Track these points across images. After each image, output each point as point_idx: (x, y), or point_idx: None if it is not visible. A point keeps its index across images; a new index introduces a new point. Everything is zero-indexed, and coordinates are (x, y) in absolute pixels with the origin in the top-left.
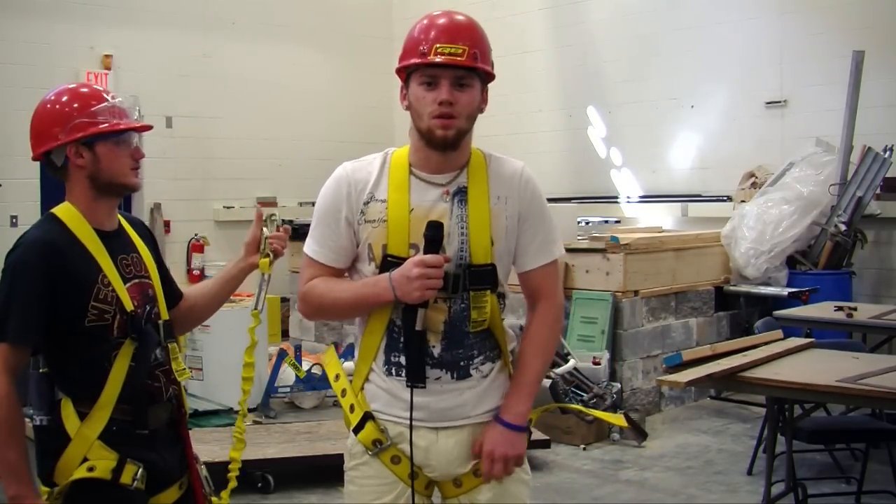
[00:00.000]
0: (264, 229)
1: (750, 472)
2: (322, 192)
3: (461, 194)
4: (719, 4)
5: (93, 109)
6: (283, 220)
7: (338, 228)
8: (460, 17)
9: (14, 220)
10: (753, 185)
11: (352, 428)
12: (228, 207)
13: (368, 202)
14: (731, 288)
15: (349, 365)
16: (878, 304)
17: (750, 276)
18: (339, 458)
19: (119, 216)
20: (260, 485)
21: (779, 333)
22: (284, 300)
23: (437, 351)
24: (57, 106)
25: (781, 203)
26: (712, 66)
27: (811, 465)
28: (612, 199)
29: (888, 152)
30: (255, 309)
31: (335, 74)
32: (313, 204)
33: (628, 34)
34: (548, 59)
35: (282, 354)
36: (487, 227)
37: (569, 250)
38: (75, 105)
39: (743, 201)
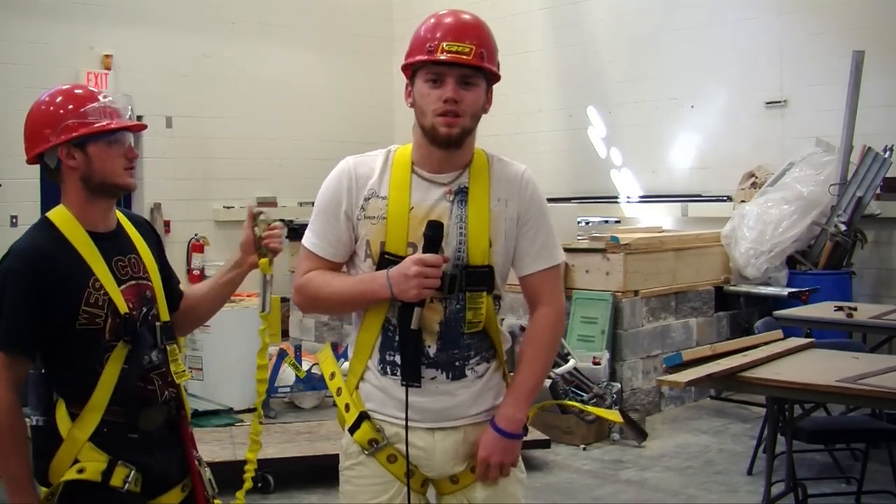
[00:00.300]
0: (256, 229)
1: (750, 472)
2: (324, 185)
3: (462, 194)
4: (719, 4)
5: (83, 110)
6: (280, 220)
7: (337, 222)
8: (467, 17)
9: (14, 220)
10: (753, 185)
11: (347, 427)
12: (228, 207)
13: (369, 198)
14: (731, 288)
15: (346, 365)
16: (878, 304)
17: (750, 276)
18: (338, 458)
19: (120, 215)
20: (260, 485)
21: (779, 333)
22: (285, 300)
23: (432, 351)
24: (49, 107)
25: (781, 203)
26: (712, 66)
27: (811, 465)
28: (612, 199)
29: (888, 152)
30: (263, 311)
31: (335, 74)
32: (313, 204)
33: (628, 34)
34: (548, 59)
35: (282, 354)
36: (486, 229)
37: (569, 250)
38: (66, 106)
39: (743, 201)
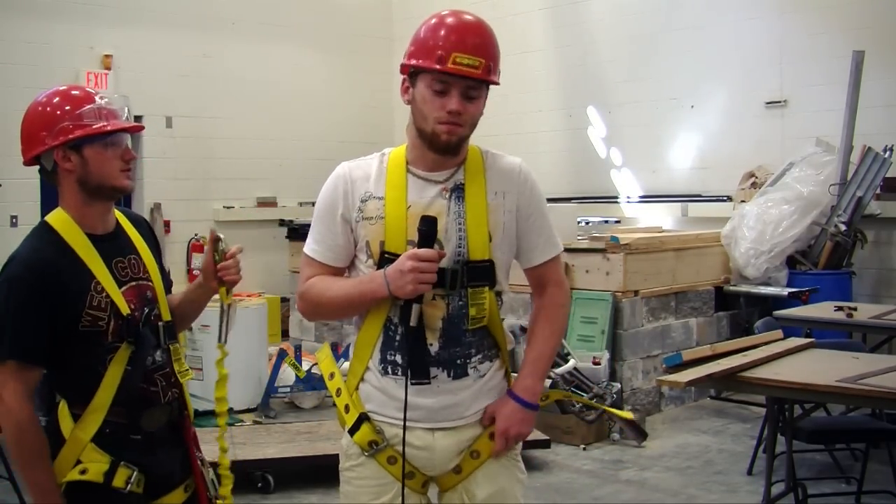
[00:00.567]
0: (216, 254)
1: (750, 472)
2: (321, 193)
3: (458, 191)
4: (719, 4)
5: (78, 112)
6: (239, 247)
7: (335, 227)
8: (479, 26)
9: (14, 220)
10: (753, 185)
11: (347, 429)
12: (228, 207)
13: (366, 200)
14: (731, 288)
15: (346, 365)
16: (878, 304)
17: (750, 276)
18: (338, 459)
19: (119, 215)
20: (260, 485)
21: (779, 333)
22: (284, 300)
23: (434, 349)
24: (45, 109)
25: (781, 203)
26: (712, 66)
27: (811, 465)
28: (612, 199)
29: (888, 152)
30: (220, 342)
31: (335, 74)
32: (313, 204)
33: (628, 34)
34: (548, 59)
35: (282, 354)
36: (485, 223)
37: (569, 250)
38: (62, 108)
39: (743, 201)
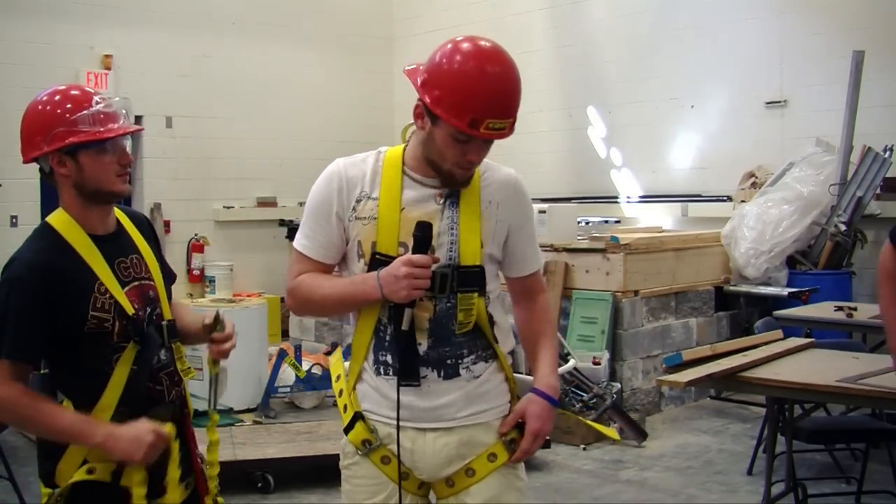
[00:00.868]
0: (215, 333)
1: (750, 472)
2: (314, 188)
3: (453, 197)
4: (719, 4)
5: (73, 118)
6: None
7: (328, 224)
8: (513, 82)
9: (14, 220)
10: (753, 185)
11: (342, 427)
12: (228, 207)
13: (360, 199)
14: (731, 288)
15: (349, 365)
16: (877, 304)
17: (750, 276)
18: (338, 458)
19: (120, 214)
20: (260, 485)
21: (779, 333)
22: (284, 300)
23: (423, 348)
24: (44, 111)
25: (781, 203)
26: (712, 66)
27: (811, 465)
28: (612, 199)
29: (888, 152)
30: (210, 408)
31: (335, 74)
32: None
33: (628, 34)
34: (548, 59)
35: (282, 354)
36: (478, 230)
37: (569, 250)
38: (57, 112)
39: (743, 201)
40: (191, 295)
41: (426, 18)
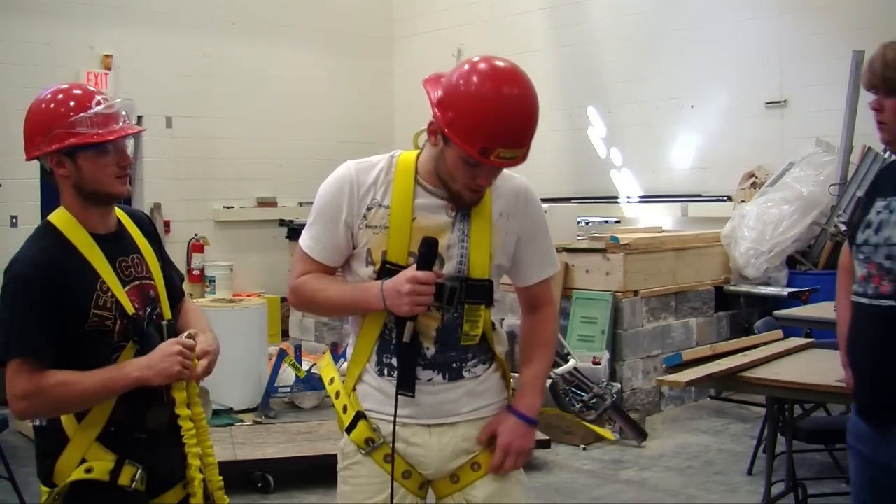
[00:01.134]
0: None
1: (750, 472)
2: (324, 189)
3: (465, 208)
4: (719, 4)
5: (72, 119)
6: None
7: (336, 229)
8: (526, 109)
9: (14, 220)
10: (753, 185)
11: (344, 428)
12: (228, 207)
13: (371, 207)
14: (731, 288)
15: (344, 366)
16: None
17: (750, 276)
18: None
19: (121, 213)
20: (260, 485)
21: (779, 333)
22: (284, 300)
23: (430, 353)
24: (45, 110)
25: (781, 203)
26: (712, 66)
27: (811, 465)
28: (612, 199)
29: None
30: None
31: (335, 74)
32: (313, 204)
33: (628, 34)
34: (548, 59)
35: (282, 354)
36: (488, 243)
37: (569, 250)
38: (57, 112)
39: (743, 201)
40: (191, 295)
41: (426, 18)
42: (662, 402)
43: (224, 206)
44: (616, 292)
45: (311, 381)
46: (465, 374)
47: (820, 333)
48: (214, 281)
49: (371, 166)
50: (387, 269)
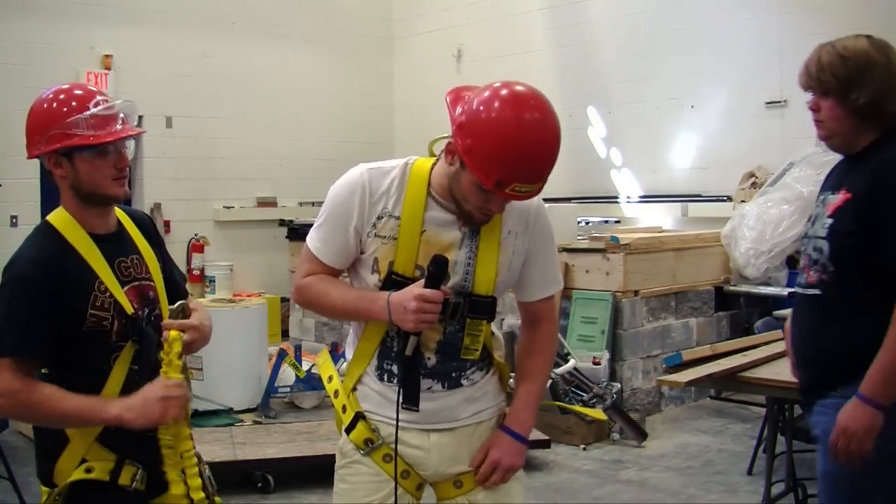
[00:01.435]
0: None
1: (750, 472)
2: (335, 192)
3: (474, 227)
4: (719, 4)
5: (69, 120)
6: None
7: (345, 234)
8: (547, 145)
9: (14, 220)
10: (753, 185)
11: (344, 427)
12: (228, 207)
13: (382, 217)
14: (731, 288)
15: (343, 366)
16: None
17: (750, 276)
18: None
19: (121, 213)
20: (260, 485)
21: (779, 333)
22: (284, 300)
23: (430, 363)
24: (46, 109)
25: (781, 203)
26: (712, 66)
27: (811, 465)
28: (612, 199)
29: None
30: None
31: (335, 74)
32: (313, 204)
33: (628, 34)
34: (548, 59)
35: (282, 354)
36: (495, 261)
37: (569, 250)
38: (56, 113)
39: (743, 201)
40: (191, 295)
41: (426, 18)
42: (662, 402)
43: (224, 206)
44: (616, 292)
45: (311, 381)
46: (464, 381)
47: None
48: (214, 281)
49: (384, 173)
50: (392, 280)
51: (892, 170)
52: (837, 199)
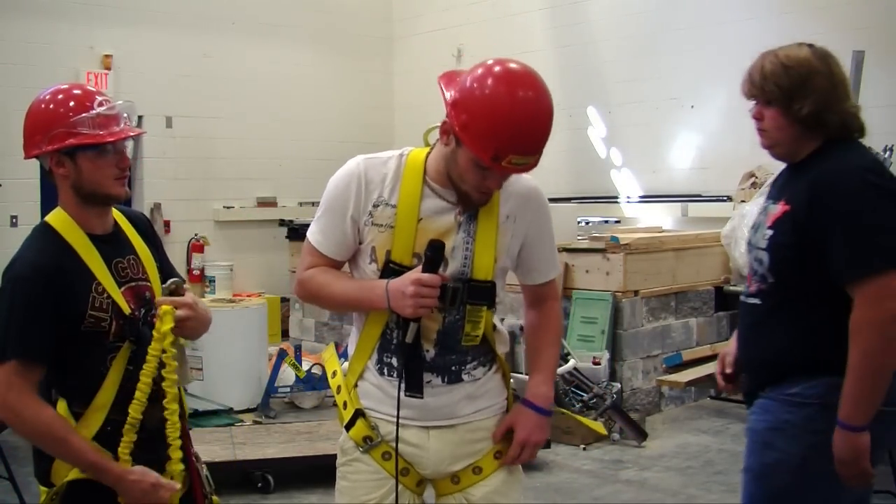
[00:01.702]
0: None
1: None
2: (332, 183)
3: (472, 210)
4: (719, 4)
5: (73, 119)
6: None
7: (343, 224)
8: (541, 116)
9: (14, 220)
10: (753, 185)
11: (344, 424)
12: (228, 207)
13: (378, 205)
14: (731, 288)
15: (346, 365)
16: None
17: None
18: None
19: (118, 214)
20: (260, 485)
21: None
22: (284, 300)
23: (430, 356)
24: (45, 109)
25: None
26: (712, 66)
27: None
28: (612, 199)
29: (888, 152)
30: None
31: (335, 74)
32: (313, 204)
33: (628, 34)
34: (548, 59)
35: (282, 354)
36: (493, 246)
37: (569, 250)
38: (58, 112)
39: (743, 201)
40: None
41: (426, 18)
42: (662, 402)
43: (224, 206)
44: (616, 292)
45: (311, 381)
46: (465, 376)
47: None
48: (214, 281)
49: (381, 163)
50: (390, 269)
51: (829, 184)
52: (778, 209)
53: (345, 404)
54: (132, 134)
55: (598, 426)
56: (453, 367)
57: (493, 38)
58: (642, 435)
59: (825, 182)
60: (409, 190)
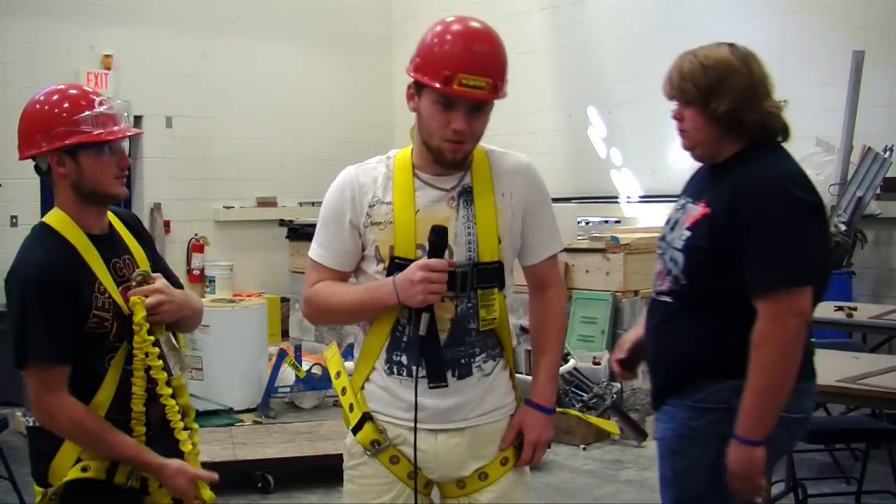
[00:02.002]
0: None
1: None
2: (327, 197)
3: (467, 194)
4: (719, 4)
5: (75, 118)
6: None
7: (342, 232)
8: (488, 41)
9: (14, 220)
10: None
11: (350, 428)
12: (228, 207)
13: (374, 205)
14: None
15: (350, 365)
16: (878, 304)
17: None
18: (339, 459)
19: (111, 214)
20: (260, 485)
21: None
22: (284, 300)
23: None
24: (44, 109)
25: None
26: None
27: (811, 465)
28: (612, 199)
29: (888, 152)
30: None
31: (335, 74)
32: (313, 204)
33: (628, 34)
34: (548, 59)
35: (282, 354)
36: (495, 225)
37: (569, 250)
38: (58, 111)
39: None
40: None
41: (426, 18)
42: None
43: (224, 206)
44: (616, 292)
45: (311, 381)
46: (475, 370)
47: (819, 333)
48: (214, 281)
49: (370, 167)
50: (396, 265)
51: (750, 193)
52: (697, 211)
53: (351, 407)
54: (132, 133)
55: (612, 425)
56: (462, 360)
57: None
58: (642, 435)
59: (746, 191)
60: (401, 185)
